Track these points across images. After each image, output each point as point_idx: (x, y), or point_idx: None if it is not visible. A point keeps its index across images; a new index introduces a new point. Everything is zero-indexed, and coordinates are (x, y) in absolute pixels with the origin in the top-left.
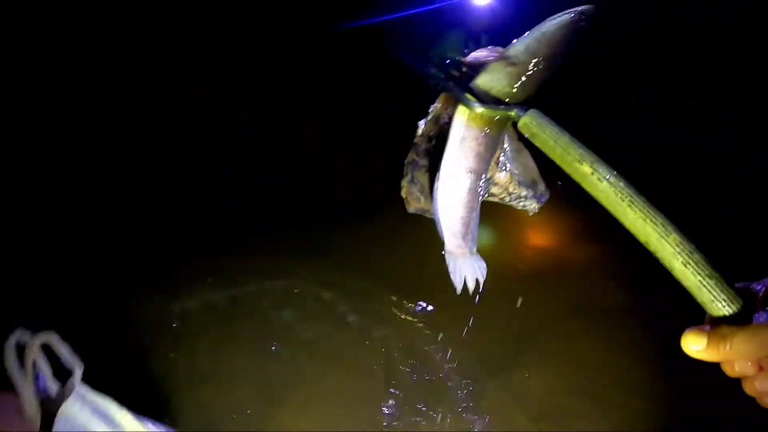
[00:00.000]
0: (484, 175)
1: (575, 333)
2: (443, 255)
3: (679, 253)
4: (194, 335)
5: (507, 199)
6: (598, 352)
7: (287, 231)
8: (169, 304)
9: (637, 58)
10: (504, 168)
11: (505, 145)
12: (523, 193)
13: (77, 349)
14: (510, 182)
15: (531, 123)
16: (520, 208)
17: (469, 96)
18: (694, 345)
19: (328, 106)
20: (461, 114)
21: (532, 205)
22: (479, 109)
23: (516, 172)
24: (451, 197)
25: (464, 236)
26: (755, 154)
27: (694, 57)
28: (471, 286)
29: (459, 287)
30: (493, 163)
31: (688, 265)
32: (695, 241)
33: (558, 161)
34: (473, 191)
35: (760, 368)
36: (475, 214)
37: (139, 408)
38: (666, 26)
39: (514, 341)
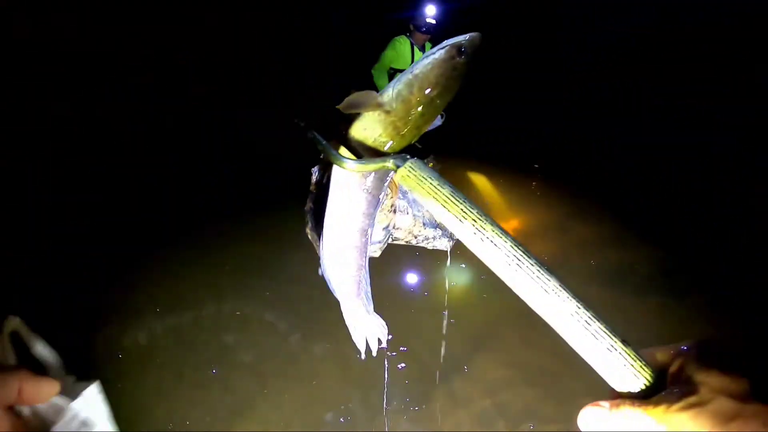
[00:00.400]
0: (370, 229)
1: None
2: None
3: (577, 321)
4: (142, 363)
5: (414, 241)
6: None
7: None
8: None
9: (637, 58)
10: (406, 212)
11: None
12: (431, 234)
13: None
14: (414, 225)
15: (408, 176)
16: (431, 248)
17: (340, 153)
18: (591, 422)
19: (328, 105)
20: (337, 170)
21: (443, 244)
22: (351, 165)
23: (418, 214)
24: (336, 256)
25: (357, 295)
26: (755, 154)
27: (694, 57)
28: (373, 347)
29: (361, 348)
30: (387, 211)
31: (588, 329)
32: (695, 243)
33: (437, 217)
34: (358, 248)
35: None
36: (365, 271)
37: None
38: (666, 26)
39: (464, 342)
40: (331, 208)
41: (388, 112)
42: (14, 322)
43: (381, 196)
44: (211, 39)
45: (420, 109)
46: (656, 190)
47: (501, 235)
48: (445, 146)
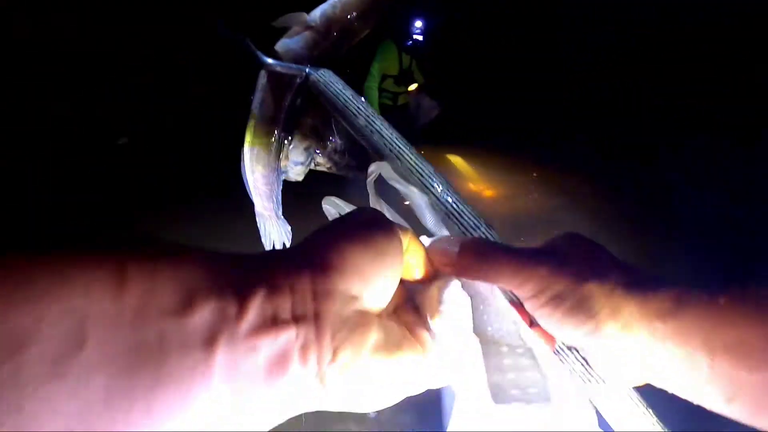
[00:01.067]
0: (284, 133)
1: None
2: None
3: (438, 208)
4: None
5: (334, 168)
6: None
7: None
8: None
9: (637, 58)
10: (328, 138)
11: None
12: (352, 162)
13: None
14: (335, 151)
15: (318, 81)
16: (351, 177)
17: (263, 55)
18: (440, 254)
19: None
20: (261, 75)
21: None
22: (271, 62)
23: (339, 142)
24: (254, 154)
25: (269, 198)
26: (754, 154)
27: (694, 57)
28: (279, 247)
29: (268, 248)
30: (308, 131)
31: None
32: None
33: (340, 118)
34: (274, 147)
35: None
36: (277, 176)
37: None
38: (666, 26)
39: None
40: (254, 104)
41: (311, 28)
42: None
43: (294, 97)
44: (211, 39)
45: (338, 28)
46: (651, 185)
47: (388, 129)
48: (440, 136)
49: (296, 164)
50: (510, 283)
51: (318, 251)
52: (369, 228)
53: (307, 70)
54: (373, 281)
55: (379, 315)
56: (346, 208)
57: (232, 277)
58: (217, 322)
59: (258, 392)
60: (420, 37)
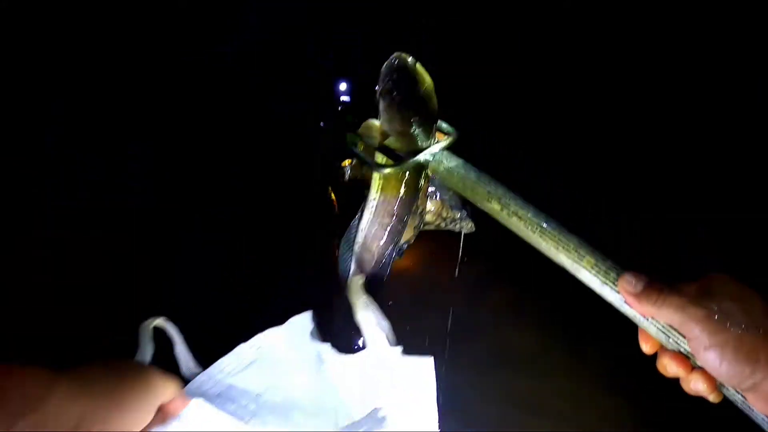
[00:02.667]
0: (405, 220)
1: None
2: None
3: (595, 274)
4: None
5: (443, 224)
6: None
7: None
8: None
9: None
10: (434, 196)
11: (431, 175)
12: (457, 215)
13: None
14: (442, 208)
15: (438, 167)
16: (457, 230)
17: (376, 161)
18: (629, 285)
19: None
20: (375, 177)
21: (469, 225)
22: (388, 170)
23: (446, 197)
24: (369, 245)
25: (379, 276)
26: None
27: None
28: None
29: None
30: (422, 195)
31: (606, 281)
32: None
33: (470, 199)
34: (393, 233)
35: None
36: (387, 266)
37: None
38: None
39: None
40: (371, 205)
41: (396, 131)
42: (160, 320)
43: (417, 190)
44: (211, 40)
45: (413, 120)
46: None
47: (524, 207)
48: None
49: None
50: (674, 319)
51: (95, 393)
52: (139, 389)
53: (422, 158)
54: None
55: None
56: (169, 327)
57: (18, 402)
58: None
59: None
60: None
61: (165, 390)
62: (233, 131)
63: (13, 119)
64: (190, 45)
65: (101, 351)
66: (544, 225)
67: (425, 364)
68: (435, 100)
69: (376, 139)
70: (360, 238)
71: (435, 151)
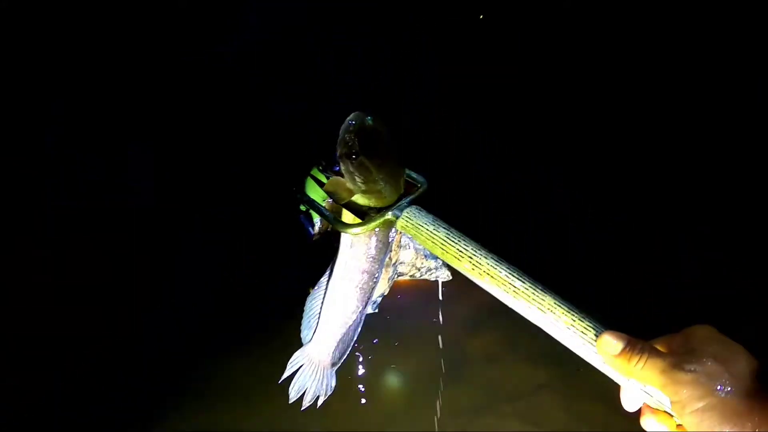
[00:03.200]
0: (377, 273)
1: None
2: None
3: (572, 335)
4: None
5: (417, 274)
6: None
7: None
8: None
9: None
10: (407, 246)
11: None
12: (432, 264)
13: None
14: (416, 258)
15: (406, 225)
16: (433, 279)
17: (343, 222)
18: (608, 346)
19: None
20: (343, 235)
21: (444, 274)
22: (357, 230)
23: (419, 247)
24: (339, 302)
25: (336, 346)
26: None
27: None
28: (307, 402)
29: (293, 398)
30: (395, 247)
31: (583, 338)
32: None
33: (441, 258)
34: (364, 290)
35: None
36: (357, 324)
37: None
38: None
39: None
40: (342, 259)
41: (361, 190)
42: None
43: (388, 242)
44: (210, 40)
45: (377, 177)
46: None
47: (496, 266)
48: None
49: (374, 302)
50: (656, 382)
51: None
52: None
53: (390, 214)
54: None
55: None
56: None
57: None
58: None
59: None
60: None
61: None
62: (233, 132)
63: (13, 119)
64: (190, 45)
65: (101, 351)
66: (517, 284)
67: None
68: (397, 154)
69: (343, 196)
70: (329, 298)
71: (402, 206)
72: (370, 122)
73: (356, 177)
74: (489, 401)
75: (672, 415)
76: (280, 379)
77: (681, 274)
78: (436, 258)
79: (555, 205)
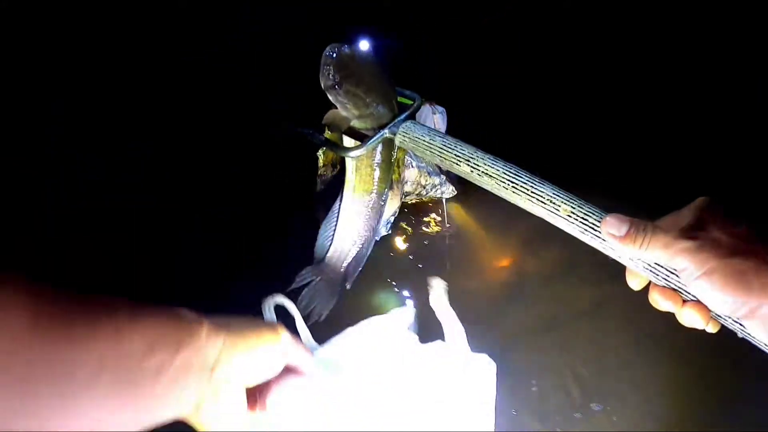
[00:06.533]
0: (384, 195)
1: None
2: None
3: (573, 221)
4: None
5: (423, 192)
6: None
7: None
8: None
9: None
10: (410, 165)
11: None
12: (436, 181)
13: None
14: (420, 176)
15: (405, 139)
16: (439, 196)
17: (344, 146)
18: (612, 229)
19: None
20: (348, 160)
21: (449, 189)
22: (358, 152)
23: (422, 165)
24: (351, 221)
25: (349, 262)
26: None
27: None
28: (317, 316)
29: (299, 310)
30: (399, 167)
31: (585, 232)
32: None
33: (442, 166)
34: (375, 209)
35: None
36: (370, 242)
37: None
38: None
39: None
40: (349, 185)
41: (356, 116)
42: (279, 298)
43: (391, 162)
44: (209, 41)
45: (368, 101)
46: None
47: (493, 165)
48: None
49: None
50: (661, 257)
51: (229, 333)
52: (273, 342)
53: (387, 131)
54: (254, 374)
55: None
56: (289, 305)
57: (173, 338)
58: (160, 366)
59: (168, 404)
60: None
61: (294, 352)
62: (233, 132)
63: (14, 119)
64: (190, 45)
65: None
66: (515, 180)
67: (488, 370)
68: (383, 73)
69: (342, 125)
70: (342, 219)
71: (398, 122)
72: (346, 50)
73: (347, 105)
74: (550, 321)
75: (677, 291)
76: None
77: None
78: (438, 174)
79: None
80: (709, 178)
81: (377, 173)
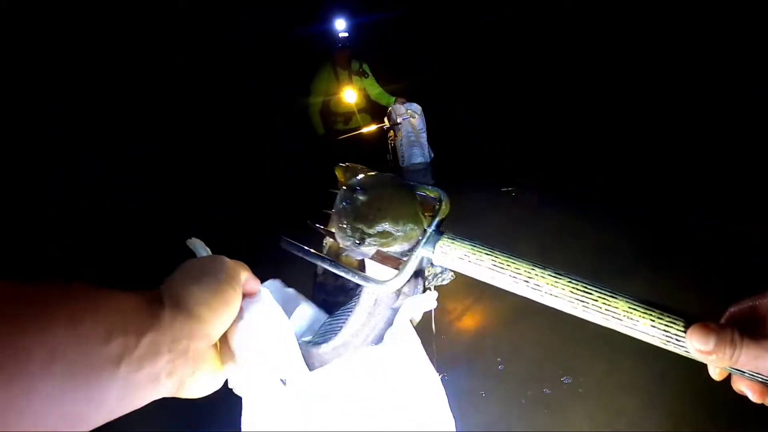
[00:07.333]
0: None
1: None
2: None
3: (654, 335)
4: None
5: (426, 283)
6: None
7: None
8: None
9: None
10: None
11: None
12: (438, 270)
13: None
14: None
15: (446, 259)
16: (439, 284)
17: (374, 279)
18: (698, 344)
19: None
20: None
21: (449, 275)
22: (397, 282)
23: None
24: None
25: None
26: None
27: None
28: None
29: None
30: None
31: (668, 344)
32: None
33: (491, 282)
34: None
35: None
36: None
37: None
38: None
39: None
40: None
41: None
42: (196, 240)
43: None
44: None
45: (394, 231)
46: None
47: (557, 284)
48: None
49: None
50: (752, 368)
51: (189, 305)
52: (227, 288)
53: (422, 250)
54: (222, 328)
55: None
56: (204, 252)
57: (134, 323)
58: (122, 352)
59: (138, 390)
60: (345, 34)
61: (242, 274)
62: (233, 132)
63: (14, 119)
64: (190, 45)
65: None
66: (585, 298)
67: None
68: (402, 189)
69: (366, 253)
70: (344, 338)
71: (432, 237)
72: (360, 197)
73: (378, 245)
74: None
75: (764, 383)
76: None
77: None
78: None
79: (555, 203)
80: (709, 178)
81: (406, 290)
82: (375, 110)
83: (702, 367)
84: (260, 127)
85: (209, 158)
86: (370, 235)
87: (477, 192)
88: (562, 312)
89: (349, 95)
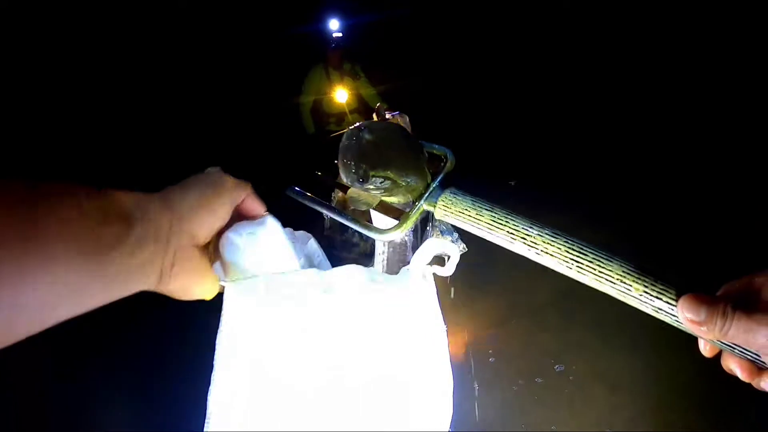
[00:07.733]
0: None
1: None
2: None
3: (645, 301)
4: None
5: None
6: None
7: None
8: None
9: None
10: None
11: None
12: (448, 239)
13: None
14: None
15: (446, 213)
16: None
17: (376, 228)
18: (689, 313)
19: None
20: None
21: (461, 246)
22: (398, 234)
23: (437, 224)
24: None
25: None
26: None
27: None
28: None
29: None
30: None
31: (659, 311)
32: None
33: (490, 240)
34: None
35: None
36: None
37: None
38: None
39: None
40: (379, 259)
41: (385, 195)
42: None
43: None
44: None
45: (400, 180)
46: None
47: (553, 242)
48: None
49: None
50: (743, 342)
51: (177, 206)
52: (211, 195)
53: (425, 204)
54: (205, 231)
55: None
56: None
57: (128, 212)
58: (118, 233)
59: (131, 274)
60: (339, 34)
61: (239, 191)
62: (233, 132)
63: (14, 119)
64: (190, 45)
65: (101, 349)
66: (579, 258)
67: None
68: (409, 140)
69: (370, 203)
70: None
71: (435, 191)
72: (366, 135)
73: (378, 191)
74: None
75: (755, 363)
76: None
77: None
78: (452, 233)
79: (555, 204)
80: (709, 178)
81: (411, 240)
82: (368, 111)
83: (692, 362)
84: (250, 125)
85: (209, 158)
86: (373, 175)
87: (477, 190)
88: (550, 311)
89: (341, 95)
